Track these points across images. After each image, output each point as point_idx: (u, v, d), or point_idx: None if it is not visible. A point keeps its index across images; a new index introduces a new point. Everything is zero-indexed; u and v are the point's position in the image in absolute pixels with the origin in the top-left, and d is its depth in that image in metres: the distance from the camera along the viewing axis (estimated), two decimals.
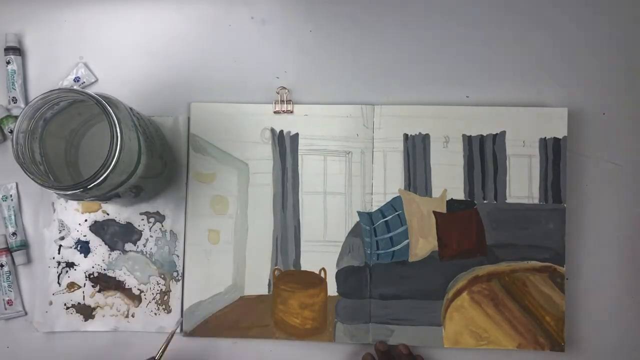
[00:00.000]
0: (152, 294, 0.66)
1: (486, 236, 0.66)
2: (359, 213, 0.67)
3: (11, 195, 0.68)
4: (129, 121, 0.53)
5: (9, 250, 0.67)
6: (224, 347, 0.67)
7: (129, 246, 0.67)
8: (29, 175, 0.50)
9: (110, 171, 0.50)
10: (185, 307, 0.66)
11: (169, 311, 0.66)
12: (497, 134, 0.66)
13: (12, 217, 0.68)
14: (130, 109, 0.54)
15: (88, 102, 0.51)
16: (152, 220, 0.67)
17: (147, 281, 0.67)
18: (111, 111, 0.50)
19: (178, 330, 0.66)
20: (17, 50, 0.68)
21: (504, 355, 0.66)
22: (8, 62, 0.68)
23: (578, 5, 0.69)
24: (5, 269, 0.67)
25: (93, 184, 0.49)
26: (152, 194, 0.66)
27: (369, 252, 0.66)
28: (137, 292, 0.67)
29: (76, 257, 0.67)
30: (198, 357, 0.67)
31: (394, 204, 0.67)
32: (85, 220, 0.67)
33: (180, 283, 0.67)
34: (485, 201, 0.66)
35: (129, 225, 0.67)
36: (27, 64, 0.69)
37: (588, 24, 0.69)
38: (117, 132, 0.49)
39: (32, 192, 0.68)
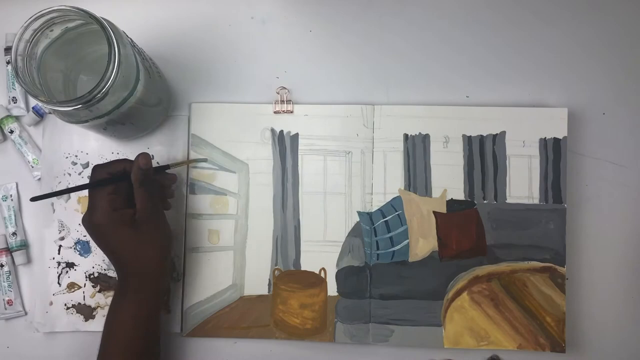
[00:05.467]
0: None
1: (486, 236, 0.66)
2: (359, 213, 0.67)
3: (11, 195, 0.68)
4: (126, 39, 0.54)
5: (8, 250, 0.67)
6: (224, 347, 0.67)
7: None
8: (32, 94, 0.51)
9: (111, 82, 0.50)
10: (184, 307, 0.66)
11: (169, 311, 0.66)
12: (497, 134, 0.66)
13: (12, 217, 0.67)
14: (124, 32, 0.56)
15: (80, 27, 0.53)
16: None
17: None
18: (106, 24, 0.51)
19: (178, 330, 0.66)
20: None
21: (504, 355, 0.66)
22: (8, 62, 0.68)
23: (578, 5, 0.69)
24: (5, 268, 0.67)
25: (96, 95, 0.50)
26: (149, 124, 0.66)
27: (369, 252, 0.66)
28: None
29: (76, 257, 0.67)
30: (198, 357, 0.67)
31: (394, 204, 0.67)
32: None
33: (180, 283, 0.66)
34: (485, 201, 0.66)
35: None
36: None
37: (588, 24, 0.69)
38: (114, 41, 0.51)
39: (32, 192, 0.68)
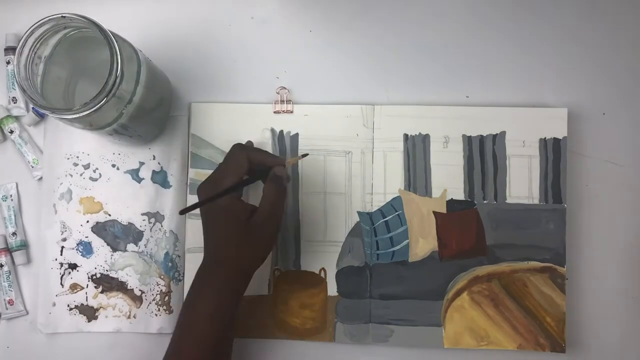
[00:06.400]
0: (153, 294, 0.66)
1: (486, 236, 0.66)
2: (359, 213, 0.67)
3: (11, 195, 0.68)
4: (130, 50, 0.55)
5: (8, 250, 0.67)
6: None
7: (130, 247, 0.67)
8: (36, 104, 0.51)
9: (111, 95, 0.51)
10: None
11: (170, 312, 0.66)
12: (497, 134, 0.66)
13: (12, 217, 0.68)
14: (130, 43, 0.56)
15: (80, 32, 0.54)
16: (152, 220, 0.67)
17: (148, 282, 0.67)
18: (112, 36, 0.51)
19: None
20: None
21: (504, 356, 0.66)
22: (8, 62, 0.68)
23: (578, 5, 0.69)
24: (5, 268, 0.67)
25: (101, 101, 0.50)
26: (148, 127, 0.66)
27: (369, 252, 0.66)
28: (138, 293, 0.67)
29: (78, 258, 0.67)
30: None
31: (394, 204, 0.67)
32: (87, 222, 0.67)
33: (181, 283, 0.67)
34: (485, 201, 0.66)
35: (130, 226, 0.67)
36: None
37: (588, 24, 0.69)
38: (117, 55, 0.51)
39: (32, 192, 0.69)
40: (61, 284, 0.67)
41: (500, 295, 0.65)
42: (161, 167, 0.68)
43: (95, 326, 0.67)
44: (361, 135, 0.67)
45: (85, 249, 0.67)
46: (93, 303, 0.67)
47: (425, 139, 0.67)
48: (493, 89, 0.68)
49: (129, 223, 0.67)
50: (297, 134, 0.67)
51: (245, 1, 0.70)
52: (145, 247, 0.67)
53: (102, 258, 0.67)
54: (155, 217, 0.67)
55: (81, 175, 0.67)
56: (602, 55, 0.69)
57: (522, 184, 0.66)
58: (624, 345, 0.67)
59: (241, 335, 0.66)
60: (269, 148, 0.67)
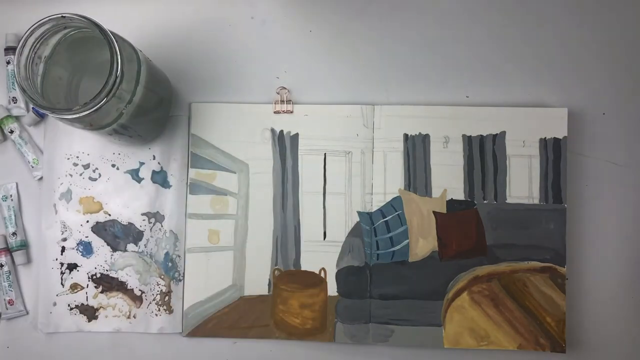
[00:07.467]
0: (153, 294, 0.66)
1: (486, 236, 0.66)
2: (359, 213, 0.67)
3: (11, 195, 0.68)
4: (130, 51, 0.54)
5: (8, 250, 0.67)
6: (224, 347, 0.67)
7: (130, 247, 0.67)
8: (36, 104, 0.51)
9: (111, 95, 0.51)
10: (185, 307, 0.66)
11: (171, 312, 0.66)
12: (497, 134, 0.66)
13: (12, 217, 0.68)
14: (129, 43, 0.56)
15: (80, 32, 0.53)
16: (152, 220, 0.67)
17: (148, 282, 0.67)
18: (112, 37, 0.51)
19: (178, 330, 0.66)
20: None
21: (504, 356, 0.66)
22: (8, 62, 0.68)
23: (578, 5, 0.69)
24: (5, 268, 0.67)
25: (99, 101, 0.50)
26: (148, 127, 0.66)
27: (369, 252, 0.66)
28: (138, 293, 0.67)
29: (78, 258, 0.67)
30: (198, 357, 0.67)
31: (394, 204, 0.67)
32: (87, 222, 0.67)
33: (181, 283, 0.67)
34: (485, 201, 0.66)
35: (130, 226, 0.67)
36: None
37: (588, 24, 0.69)
38: (117, 56, 0.51)
39: (32, 192, 0.69)
40: (61, 283, 0.67)
41: (500, 295, 0.65)
42: (161, 167, 0.68)
43: (95, 326, 0.67)
44: (361, 135, 0.67)
45: (86, 249, 0.67)
46: (93, 303, 0.67)
47: (425, 139, 0.67)
48: (493, 89, 0.68)
49: (129, 223, 0.67)
50: (297, 134, 0.67)
51: (245, 1, 0.70)
52: (145, 247, 0.67)
53: (102, 258, 0.67)
54: (155, 217, 0.67)
55: (81, 175, 0.67)
56: (602, 55, 0.69)
57: (522, 184, 0.66)
58: (624, 345, 0.67)
59: (241, 336, 0.66)
60: (269, 148, 0.67)
